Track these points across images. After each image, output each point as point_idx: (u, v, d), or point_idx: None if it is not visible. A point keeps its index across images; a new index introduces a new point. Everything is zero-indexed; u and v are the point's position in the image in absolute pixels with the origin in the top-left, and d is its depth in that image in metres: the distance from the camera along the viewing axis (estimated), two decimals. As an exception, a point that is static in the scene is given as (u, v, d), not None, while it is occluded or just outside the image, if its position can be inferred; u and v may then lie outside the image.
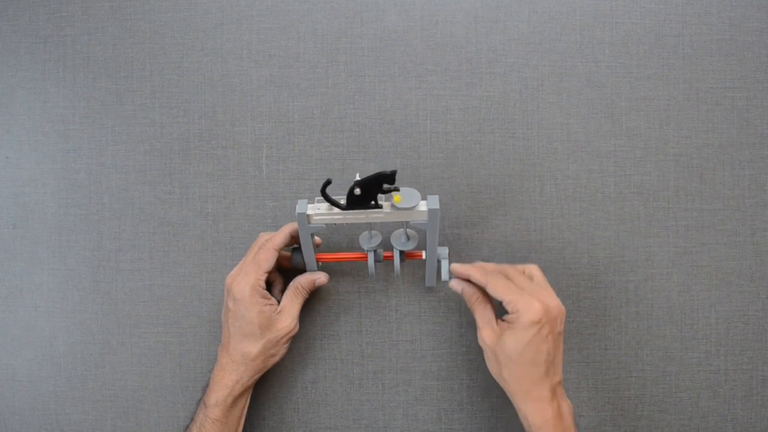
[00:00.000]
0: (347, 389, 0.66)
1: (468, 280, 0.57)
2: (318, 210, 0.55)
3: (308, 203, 0.55)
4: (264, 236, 0.59)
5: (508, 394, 0.55)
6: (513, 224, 0.65)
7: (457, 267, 0.58)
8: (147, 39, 0.66)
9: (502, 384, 0.55)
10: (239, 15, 0.65)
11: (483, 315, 0.56)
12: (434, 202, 0.54)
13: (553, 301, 0.54)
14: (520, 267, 0.58)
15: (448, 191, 0.65)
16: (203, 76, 0.65)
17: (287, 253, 0.61)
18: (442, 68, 0.65)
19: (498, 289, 0.54)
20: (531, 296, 0.53)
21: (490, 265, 0.58)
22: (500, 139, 0.65)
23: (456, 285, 0.58)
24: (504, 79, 0.65)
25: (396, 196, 0.53)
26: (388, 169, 0.51)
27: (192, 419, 0.59)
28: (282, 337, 0.59)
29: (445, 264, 0.58)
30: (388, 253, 0.59)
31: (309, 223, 0.56)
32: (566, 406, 0.54)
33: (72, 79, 0.66)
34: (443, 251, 0.59)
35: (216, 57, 0.65)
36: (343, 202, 0.53)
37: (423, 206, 0.54)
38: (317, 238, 0.62)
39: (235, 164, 0.65)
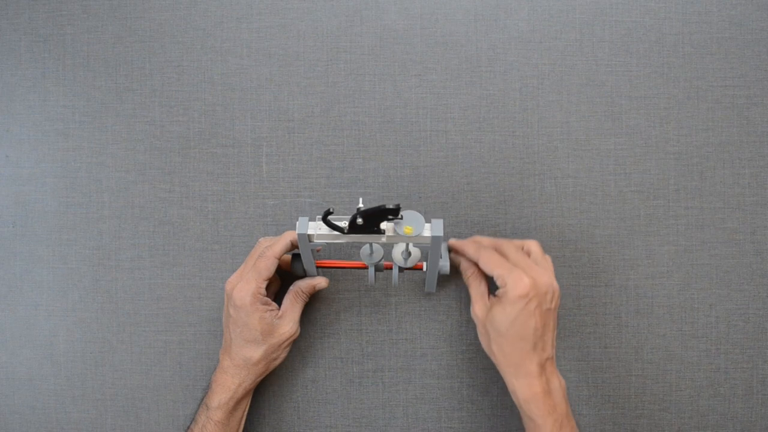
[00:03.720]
0: (347, 388, 0.66)
1: (465, 256, 0.58)
2: (320, 231, 0.55)
3: (309, 221, 0.55)
4: (264, 242, 0.59)
5: (498, 369, 0.55)
6: (513, 223, 0.65)
7: (454, 242, 0.59)
8: (147, 38, 0.66)
9: (492, 358, 0.56)
10: (239, 14, 0.65)
11: (476, 289, 0.57)
12: (438, 228, 0.54)
13: (544, 277, 0.53)
14: (518, 242, 0.58)
15: (448, 190, 0.65)
16: (203, 74, 0.65)
17: (287, 257, 0.61)
18: (442, 67, 0.65)
19: (488, 264, 0.54)
20: (521, 271, 0.53)
21: (486, 240, 0.59)
22: (500, 138, 0.65)
23: (454, 258, 0.59)
24: (504, 78, 0.65)
25: (407, 228, 0.53)
26: (391, 201, 0.51)
27: (193, 420, 0.59)
28: (284, 342, 0.59)
29: (445, 254, 0.58)
30: (388, 263, 0.59)
31: (310, 241, 0.56)
32: (557, 382, 0.54)
33: (72, 78, 0.66)
34: (444, 247, 0.58)
35: (216, 56, 0.65)
36: (344, 224, 0.54)
37: (427, 231, 0.54)
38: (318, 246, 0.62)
39: (235, 163, 0.65)
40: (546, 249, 0.64)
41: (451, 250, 0.60)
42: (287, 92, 0.65)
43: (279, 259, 0.57)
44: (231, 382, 0.58)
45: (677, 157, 0.65)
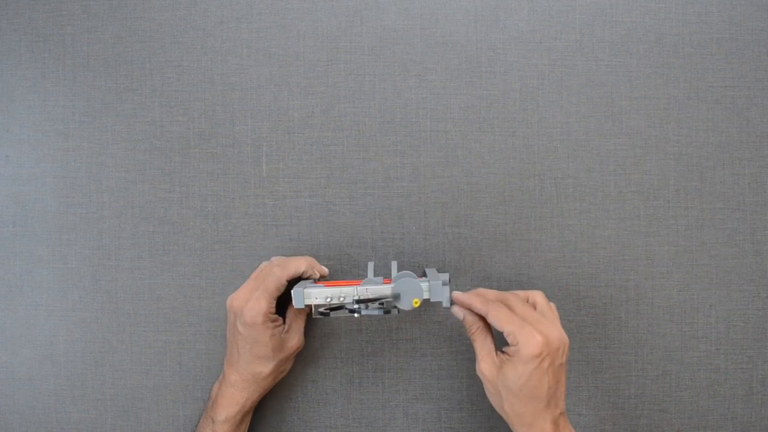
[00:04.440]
0: (347, 388, 0.66)
1: (470, 309, 0.56)
2: (317, 300, 0.56)
3: (304, 290, 0.56)
4: (276, 261, 0.59)
5: (510, 427, 0.54)
6: (513, 223, 0.65)
7: (458, 295, 0.57)
8: (147, 38, 0.66)
9: (503, 416, 0.54)
10: (239, 14, 0.65)
11: (483, 346, 0.55)
12: (438, 293, 0.55)
13: (555, 333, 0.52)
14: (522, 294, 0.57)
15: (448, 190, 0.65)
16: (203, 74, 0.65)
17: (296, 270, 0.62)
18: (442, 67, 0.65)
19: (499, 319, 0.52)
20: (532, 327, 0.51)
21: (492, 293, 0.57)
22: (500, 138, 0.65)
23: (458, 312, 0.57)
24: (504, 78, 0.65)
25: (415, 301, 0.55)
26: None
27: None
28: (291, 354, 0.60)
29: (446, 290, 0.56)
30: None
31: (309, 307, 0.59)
32: None
33: (72, 78, 0.66)
34: (444, 277, 0.57)
35: (216, 56, 0.65)
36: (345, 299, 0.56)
37: (426, 294, 0.55)
38: (324, 269, 0.62)
39: (235, 163, 0.65)
40: (545, 250, 0.65)
41: (454, 303, 0.57)
42: (287, 92, 0.65)
43: (288, 279, 0.58)
44: (239, 396, 0.58)
45: (677, 157, 0.65)
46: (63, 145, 0.66)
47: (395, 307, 0.55)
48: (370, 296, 0.55)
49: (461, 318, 0.57)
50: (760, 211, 0.64)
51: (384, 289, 0.55)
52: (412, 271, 0.64)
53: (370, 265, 0.59)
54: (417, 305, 0.55)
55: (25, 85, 0.66)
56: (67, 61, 0.66)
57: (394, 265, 0.59)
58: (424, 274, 0.59)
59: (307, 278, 0.60)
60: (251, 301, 0.56)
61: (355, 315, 0.54)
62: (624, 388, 0.65)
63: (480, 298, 0.55)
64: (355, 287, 0.55)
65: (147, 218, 0.66)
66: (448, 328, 0.65)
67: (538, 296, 0.56)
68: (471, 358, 0.65)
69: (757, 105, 0.64)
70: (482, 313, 0.54)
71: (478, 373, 0.55)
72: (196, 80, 0.65)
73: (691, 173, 0.65)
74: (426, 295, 0.55)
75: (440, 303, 0.56)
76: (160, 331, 0.66)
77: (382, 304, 0.55)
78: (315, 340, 0.66)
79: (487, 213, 0.65)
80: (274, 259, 0.60)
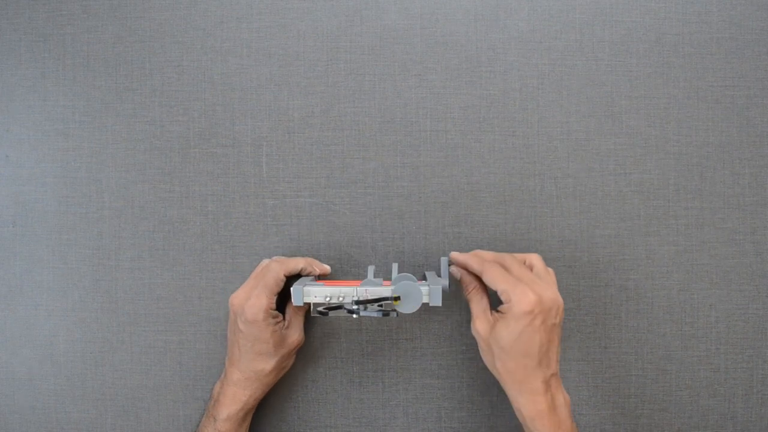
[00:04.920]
0: (347, 388, 0.66)
1: (466, 269, 0.57)
2: (316, 299, 0.56)
3: (303, 287, 0.56)
4: (276, 259, 0.60)
5: (502, 386, 0.55)
6: (513, 223, 0.65)
7: (456, 255, 0.58)
8: (147, 37, 0.66)
9: (495, 375, 0.55)
10: (239, 13, 0.65)
11: (478, 305, 0.56)
12: (437, 297, 0.55)
13: (549, 292, 0.52)
14: (520, 256, 0.58)
15: (448, 190, 0.65)
16: (203, 74, 0.65)
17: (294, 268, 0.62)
18: (442, 67, 0.65)
19: (493, 278, 0.53)
20: (525, 286, 0.52)
21: (489, 254, 0.57)
22: (500, 138, 0.65)
23: (455, 271, 0.58)
24: (504, 78, 0.65)
25: (395, 301, 0.55)
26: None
27: (197, 431, 0.59)
28: (292, 350, 0.61)
29: (444, 261, 0.57)
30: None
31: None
32: (561, 398, 0.53)
33: (72, 78, 0.66)
34: (444, 282, 0.57)
35: (216, 55, 0.65)
36: (342, 299, 0.56)
37: (425, 297, 0.55)
38: (326, 267, 0.62)
39: (235, 163, 0.65)
40: (545, 250, 0.65)
41: (452, 262, 0.59)
42: (287, 92, 0.65)
43: (287, 275, 0.58)
44: (242, 394, 0.58)
45: (677, 157, 0.65)
46: (63, 145, 0.66)
47: (394, 309, 0.55)
48: (369, 297, 0.55)
49: (458, 278, 0.58)
50: (760, 211, 0.64)
51: (383, 291, 0.55)
52: (412, 272, 0.64)
53: (371, 269, 0.60)
54: (396, 303, 0.55)
55: (25, 85, 0.66)
56: (67, 61, 0.66)
57: (394, 267, 0.59)
58: (424, 278, 0.59)
59: (306, 275, 0.60)
60: (251, 298, 0.57)
61: (354, 316, 0.54)
62: (624, 388, 0.65)
63: (477, 258, 0.56)
64: (354, 288, 0.55)
65: (147, 218, 0.66)
66: (448, 328, 0.65)
67: (535, 259, 0.57)
68: (471, 357, 0.65)
69: (757, 105, 0.64)
70: (478, 272, 0.55)
71: (473, 331, 0.55)
72: (196, 80, 0.65)
73: (691, 173, 0.65)
74: (425, 299, 0.55)
75: (439, 306, 0.56)
76: (160, 331, 0.66)
77: (381, 306, 0.55)
78: (315, 339, 0.66)
79: (487, 213, 0.65)
80: (274, 257, 0.61)
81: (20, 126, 0.66)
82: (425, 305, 0.56)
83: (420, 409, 0.65)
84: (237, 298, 0.58)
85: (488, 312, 0.55)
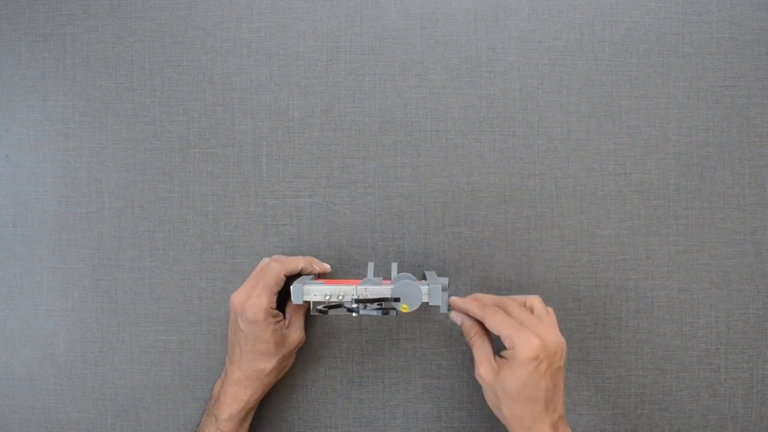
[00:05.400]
0: (347, 388, 0.66)
1: (468, 314, 0.56)
2: (315, 298, 0.56)
3: (303, 286, 0.56)
4: (276, 258, 0.60)
5: (509, 431, 0.54)
6: (513, 223, 0.65)
7: (456, 301, 0.57)
8: (147, 37, 0.66)
9: (502, 420, 0.54)
10: (239, 13, 0.65)
11: (481, 350, 0.55)
12: (437, 296, 0.55)
13: (552, 336, 0.52)
14: (520, 298, 0.57)
15: (448, 190, 0.65)
16: (203, 74, 0.65)
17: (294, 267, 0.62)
18: (442, 66, 0.65)
19: (495, 324, 0.53)
20: (529, 331, 0.51)
21: (489, 298, 0.57)
22: (500, 138, 0.65)
23: (456, 317, 0.57)
24: (504, 78, 0.65)
25: (403, 307, 0.55)
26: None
27: (198, 431, 0.59)
28: (293, 349, 0.61)
29: (444, 296, 0.56)
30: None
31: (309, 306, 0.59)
32: None
33: (72, 78, 0.66)
34: (443, 281, 0.57)
35: (216, 55, 0.65)
36: (342, 298, 0.56)
37: (425, 297, 0.55)
38: (326, 266, 0.62)
39: (235, 163, 0.65)
40: (545, 249, 0.65)
41: (452, 308, 0.58)
42: (287, 92, 0.65)
43: (287, 275, 0.58)
44: (243, 393, 0.58)
45: (677, 157, 0.65)
46: (63, 145, 0.66)
47: (394, 308, 0.55)
48: (369, 296, 0.55)
49: (459, 323, 0.57)
50: (760, 211, 0.64)
51: (383, 290, 0.55)
52: (412, 272, 0.64)
53: (370, 265, 0.60)
54: (405, 311, 0.55)
55: (25, 85, 0.66)
56: (67, 61, 0.66)
57: (394, 266, 0.59)
58: (424, 277, 0.59)
59: (306, 274, 0.60)
60: (252, 298, 0.57)
61: (353, 314, 0.54)
62: (624, 388, 0.65)
63: (477, 303, 0.56)
64: (354, 286, 0.55)
65: (147, 218, 0.66)
66: (448, 328, 0.65)
67: (535, 301, 0.56)
68: (471, 358, 0.65)
69: (757, 105, 0.64)
70: (479, 317, 0.55)
71: (477, 377, 0.55)
72: (196, 80, 0.65)
73: (691, 173, 0.65)
74: (425, 299, 0.55)
75: (439, 306, 0.56)
76: (160, 331, 0.66)
77: (380, 305, 0.55)
78: (315, 339, 0.66)
79: (487, 213, 0.65)
80: (274, 256, 0.61)
81: (20, 126, 0.66)
82: (425, 304, 0.56)
83: (420, 409, 0.65)
84: (238, 297, 0.58)
85: (491, 358, 0.54)
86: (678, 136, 0.65)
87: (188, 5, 0.65)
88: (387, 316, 0.59)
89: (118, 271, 0.66)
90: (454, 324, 0.65)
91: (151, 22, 0.66)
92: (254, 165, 0.65)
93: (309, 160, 0.65)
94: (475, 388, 0.65)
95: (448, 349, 0.65)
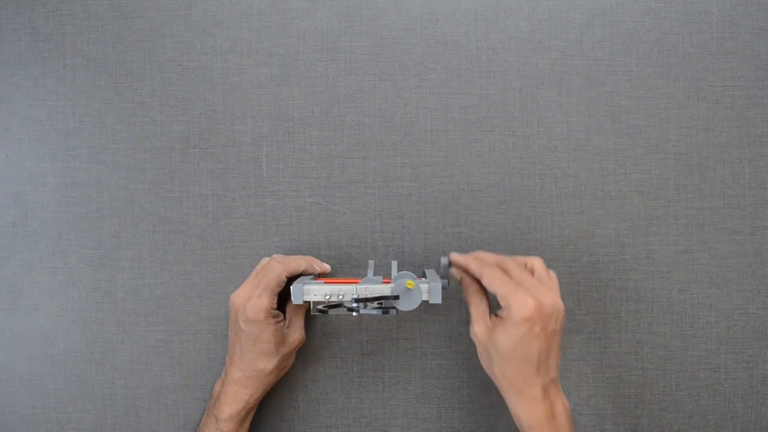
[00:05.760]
0: (347, 387, 0.66)
1: (467, 271, 0.56)
2: (315, 297, 0.56)
3: (303, 286, 0.56)
4: (276, 257, 0.60)
5: (500, 391, 0.54)
6: (513, 223, 0.65)
7: (456, 257, 0.57)
8: (147, 37, 0.66)
9: (494, 380, 0.54)
10: (239, 13, 0.65)
11: (477, 308, 0.55)
12: (437, 295, 0.55)
13: (549, 298, 0.51)
14: (521, 259, 0.56)
15: (448, 190, 0.65)
16: (203, 74, 0.65)
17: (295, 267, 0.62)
18: (442, 66, 0.65)
19: (492, 282, 0.52)
20: (525, 291, 0.51)
21: (490, 256, 0.56)
22: (500, 138, 0.65)
23: (455, 273, 0.57)
24: (504, 78, 0.65)
25: (409, 282, 0.55)
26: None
27: (199, 431, 0.59)
28: (294, 349, 0.61)
29: (444, 270, 0.57)
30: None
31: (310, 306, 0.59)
32: (561, 405, 0.52)
33: (72, 78, 0.66)
34: (443, 260, 0.57)
35: (216, 55, 0.65)
36: (342, 297, 0.56)
37: (425, 295, 0.55)
38: (326, 266, 0.62)
39: (235, 162, 0.65)
40: (545, 249, 0.64)
41: (452, 264, 0.58)
42: (287, 92, 0.65)
43: (288, 276, 0.58)
44: (243, 393, 0.58)
45: (677, 157, 0.65)
46: (63, 145, 0.66)
47: (394, 307, 0.55)
48: (369, 295, 0.55)
49: (458, 279, 0.57)
50: (760, 210, 0.64)
51: (383, 289, 0.55)
52: (412, 271, 0.64)
53: (370, 264, 0.60)
54: (411, 286, 0.54)
55: (25, 85, 0.66)
56: (67, 60, 0.66)
57: (394, 265, 0.59)
58: (424, 275, 0.59)
59: (307, 274, 0.60)
60: (253, 298, 0.57)
61: (354, 314, 0.54)
62: (624, 388, 0.65)
63: (477, 261, 0.55)
64: (354, 286, 0.55)
65: (147, 218, 0.66)
66: (448, 328, 0.65)
67: (537, 262, 0.56)
68: (471, 357, 0.65)
69: (757, 104, 0.64)
70: (477, 275, 0.54)
71: (471, 335, 0.54)
72: (196, 80, 0.65)
73: (691, 172, 0.65)
74: (425, 297, 0.55)
75: (439, 304, 0.56)
76: (160, 331, 0.66)
77: (380, 303, 0.55)
78: (315, 339, 0.66)
79: (487, 213, 0.65)
80: (274, 256, 0.61)
81: (20, 126, 0.66)
82: (425, 303, 0.56)
83: (420, 409, 0.65)
84: (238, 297, 0.58)
85: (487, 316, 0.54)
86: (678, 136, 0.65)
87: (188, 5, 0.65)
88: (387, 315, 0.59)
89: (117, 270, 0.66)
90: (453, 324, 0.65)
91: (151, 22, 0.66)
92: (254, 165, 0.65)
93: (309, 160, 0.65)
94: (475, 387, 0.65)
95: (448, 349, 0.65)
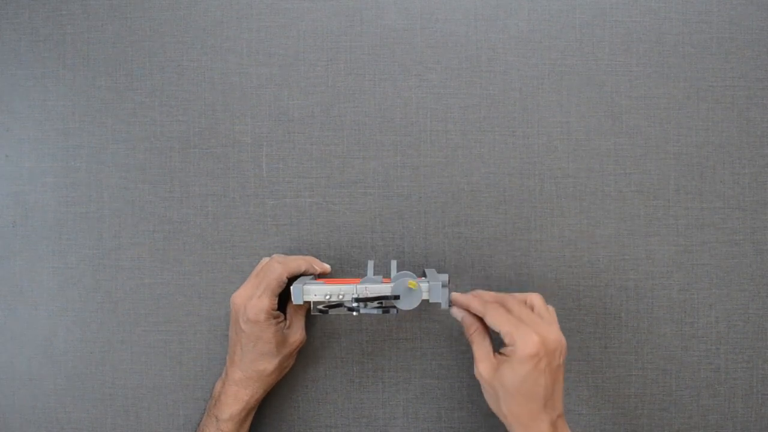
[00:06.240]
0: (347, 387, 0.66)
1: (468, 311, 0.56)
2: (316, 297, 0.56)
3: (303, 286, 0.56)
4: (277, 258, 0.60)
5: (507, 429, 0.54)
6: (513, 223, 0.65)
7: (457, 296, 0.57)
8: (147, 37, 0.66)
9: (500, 418, 0.54)
10: (239, 13, 0.65)
11: (480, 347, 0.55)
12: (437, 294, 0.55)
13: (552, 333, 0.52)
14: (520, 296, 0.57)
15: (448, 190, 0.65)
16: (203, 74, 0.65)
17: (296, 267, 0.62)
18: (442, 66, 0.65)
19: (496, 320, 0.53)
20: (529, 328, 0.51)
21: (490, 294, 0.57)
22: (500, 138, 0.65)
23: (457, 313, 0.57)
24: (504, 78, 0.65)
25: (411, 283, 0.55)
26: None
27: (199, 431, 0.59)
28: (294, 350, 0.61)
29: (445, 292, 0.56)
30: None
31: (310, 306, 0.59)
32: None
33: (72, 78, 0.66)
34: (443, 278, 0.57)
35: (216, 55, 0.65)
36: (342, 297, 0.56)
37: (425, 295, 0.55)
38: (326, 266, 0.62)
39: (235, 163, 0.65)
40: (545, 249, 0.65)
41: (453, 304, 0.58)
42: (287, 92, 0.65)
43: (289, 276, 0.58)
44: (244, 393, 0.58)
45: (677, 157, 0.65)
46: (63, 145, 0.66)
47: (394, 306, 0.55)
48: (369, 295, 0.55)
49: (460, 319, 0.57)
50: (760, 211, 0.64)
51: (383, 288, 0.55)
52: (411, 271, 0.64)
53: (370, 264, 0.60)
54: (413, 287, 0.54)
55: (25, 85, 0.66)
56: (67, 60, 0.66)
57: (393, 264, 0.59)
58: (424, 275, 0.59)
59: (307, 274, 0.60)
60: (253, 298, 0.57)
61: (354, 313, 0.54)
62: (624, 388, 0.65)
63: (478, 300, 0.56)
64: (354, 285, 0.55)
65: (147, 218, 0.66)
66: (448, 327, 0.65)
67: (536, 298, 0.56)
68: (471, 358, 0.65)
69: (757, 104, 0.64)
70: (480, 314, 0.55)
71: (476, 374, 0.54)
72: (196, 80, 0.65)
73: (691, 173, 0.65)
74: (425, 296, 0.55)
75: (439, 304, 0.56)
76: (160, 331, 0.66)
77: (381, 303, 0.55)
78: (315, 339, 0.66)
79: (487, 213, 0.65)
80: (275, 256, 0.61)
81: (20, 126, 0.66)
82: (425, 303, 0.56)
83: (420, 409, 0.65)
84: (239, 297, 0.58)
85: (491, 355, 0.54)
86: (678, 136, 0.65)
87: (188, 5, 0.65)
88: (387, 314, 0.59)
89: (118, 270, 0.66)
90: (454, 324, 0.65)
91: (151, 22, 0.66)
92: (254, 165, 0.65)
93: (309, 160, 0.65)
94: (475, 387, 0.65)
95: (448, 349, 0.65)
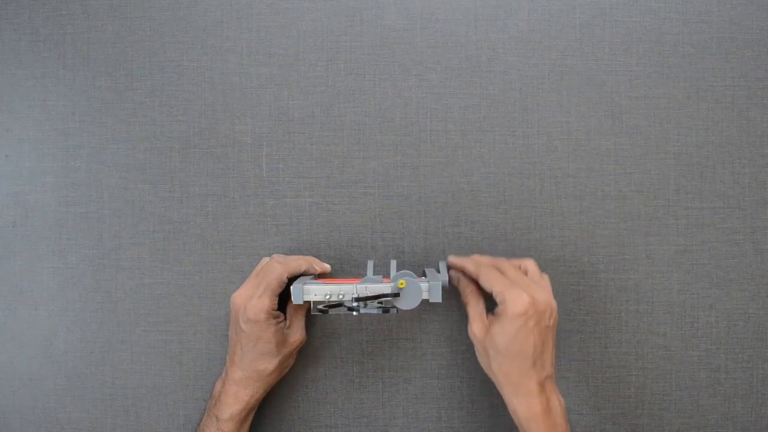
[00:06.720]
0: (347, 387, 0.66)
1: (464, 273, 0.58)
2: (316, 297, 0.56)
3: (303, 286, 0.56)
4: (277, 258, 0.60)
5: (498, 388, 0.55)
6: (513, 223, 0.65)
7: (453, 259, 0.59)
8: (147, 37, 0.66)
9: (491, 377, 0.55)
10: (239, 13, 0.65)
11: (475, 308, 0.57)
12: (437, 293, 0.55)
13: (542, 295, 0.54)
14: (515, 261, 0.59)
15: (448, 190, 0.65)
16: (203, 74, 0.65)
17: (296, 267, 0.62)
18: (442, 66, 0.65)
19: (488, 280, 0.54)
20: (520, 288, 0.53)
21: (485, 258, 0.59)
22: (500, 138, 0.65)
23: (453, 275, 0.59)
24: (504, 78, 0.65)
25: (401, 282, 0.55)
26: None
27: (200, 431, 0.59)
28: (294, 349, 0.61)
29: (444, 270, 0.58)
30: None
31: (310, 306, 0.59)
32: (556, 401, 0.54)
33: (72, 78, 0.66)
34: (443, 278, 0.58)
35: (216, 55, 0.65)
36: (342, 297, 0.56)
37: (425, 294, 0.55)
38: (326, 266, 0.62)
39: (235, 163, 0.65)
40: (545, 249, 0.65)
41: (450, 267, 0.60)
42: (287, 92, 0.65)
43: (289, 276, 0.58)
44: (244, 393, 0.58)
45: (677, 157, 0.65)
46: (63, 145, 0.66)
47: (394, 306, 0.55)
48: (369, 294, 0.55)
49: (456, 280, 0.59)
50: (760, 210, 0.64)
51: (383, 288, 0.55)
52: (412, 270, 0.64)
53: (370, 264, 0.60)
54: (402, 286, 0.55)
55: (25, 85, 0.66)
56: (67, 60, 0.66)
57: (393, 264, 0.60)
58: (424, 274, 0.59)
59: (307, 274, 0.60)
60: (254, 298, 0.57)
61: (354, 313, 0.54)
62: (624, 387, 0.65)
63: (473, 262, 0.58)
64: (354, 285, 0.55)
65: (147, 218, 0.66)
66: (448, 327, 0.65)
67: (530, 264, 0.58)
68: (471, 357, 0.65)
69: (757, 104, 0.64)
70: (474, 275, 0.56)
71: (470, 334, 0.56)
72: (196, 80, 0.65)
73: (691, 172, 0.65)
74: (425, 296, 0.55)
75: (439, 303, 0.56)
76: (160, 331, 0.66)
77: (381, 302, 0.55)
78: (315, 339, 0.66)
79: (487, 213, 0.65)
80: (275, 256, 0.61)
81: (20, 126, 0.66)
82: (425, 302, 0.56)
83: (420, 409, 0.65)
84: (239, 297, 0.58)
85: (484, 315, 0.56)
86: (678, 136, 0.65)
87: (188, 5, 0.65)
88: (387, 314, 0.59)
89: (118, 270, 0.66)
90: (454, 324, 0.65)
91: (151, 22, 0.66)
92: (254, 165, 0.65)
93: (309, 160, 0.65)
94: (475, 387, 0.65)
95: (448, 349, 0.65)
